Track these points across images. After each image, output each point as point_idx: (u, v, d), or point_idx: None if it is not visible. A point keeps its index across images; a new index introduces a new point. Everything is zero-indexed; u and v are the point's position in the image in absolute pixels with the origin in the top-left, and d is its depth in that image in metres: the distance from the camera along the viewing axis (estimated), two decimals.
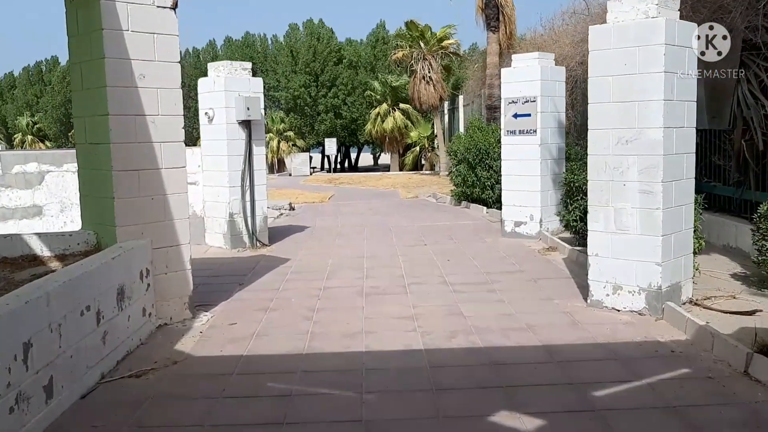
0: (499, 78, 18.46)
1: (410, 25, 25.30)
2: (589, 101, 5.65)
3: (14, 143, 46.50)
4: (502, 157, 9.74)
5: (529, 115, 9.29)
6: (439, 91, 24.99)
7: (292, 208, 14.60)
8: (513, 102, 9.44)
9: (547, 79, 9.23)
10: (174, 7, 5.49)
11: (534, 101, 9.22)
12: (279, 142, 40.12)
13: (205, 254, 8.94)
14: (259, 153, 9.36)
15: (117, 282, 4.74)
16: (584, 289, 6.20)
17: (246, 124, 9.13)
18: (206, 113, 9.25)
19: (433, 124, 29.37)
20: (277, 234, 10.38)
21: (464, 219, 11.99)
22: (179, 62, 5.62)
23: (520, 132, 9.41)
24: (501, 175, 11.68)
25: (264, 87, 9.24)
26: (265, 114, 44.55)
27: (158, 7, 5.40)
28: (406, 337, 5.13)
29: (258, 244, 9.29)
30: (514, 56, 9.58)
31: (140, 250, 5.24)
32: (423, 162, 33.46)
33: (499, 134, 11.98)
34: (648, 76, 5.26)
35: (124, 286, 4.85)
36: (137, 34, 5.31)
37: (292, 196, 18.09)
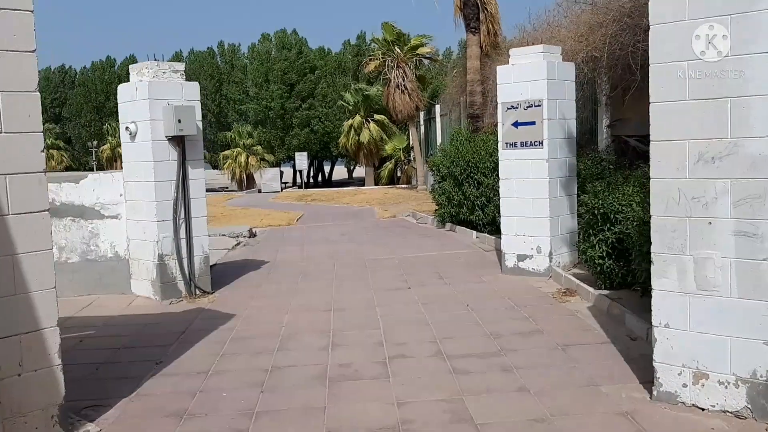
0: (482, 84, 16.87)
1: (386, 27, 23.71)
2: (651, 99, 3.84)
3: None
4: (501, 176, 7.89)
5: (533, 123, 7.48)
6: (415, 100, 23.56)
7: (252, 235, 12.66)
8: (512, 107, 7.62)
9: (554, 78, 7.42)
10: None
11: (539, 106, 7.40)
12: (247, 157, 38.28)
13: (127, 308, 6.97)
14: (197, 177, 7.39)
15: None
16: (637, 365, 4.40)
17: (178, 141, 7.18)
18: (127, 128, 7.28)
19: (408, 136, 27.68)
20: (227, 273, 8.45)
21: (452, 246, 10.14)
22: (34, 52, 3.70)
23: (522, 144, 7.59)
24: (493, 194, 9.98)
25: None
26: (232, 128, 42.79)
27: None
28: None
29: (197, 293, 7.32)
30: (512, 51, 7.73)
31: None
32: (399, 175, 31.71)
33: (491, 145, 10.26)
34: (748, 60, 3.48)
35: None
36: None
37: (257, 217, 16.22)
